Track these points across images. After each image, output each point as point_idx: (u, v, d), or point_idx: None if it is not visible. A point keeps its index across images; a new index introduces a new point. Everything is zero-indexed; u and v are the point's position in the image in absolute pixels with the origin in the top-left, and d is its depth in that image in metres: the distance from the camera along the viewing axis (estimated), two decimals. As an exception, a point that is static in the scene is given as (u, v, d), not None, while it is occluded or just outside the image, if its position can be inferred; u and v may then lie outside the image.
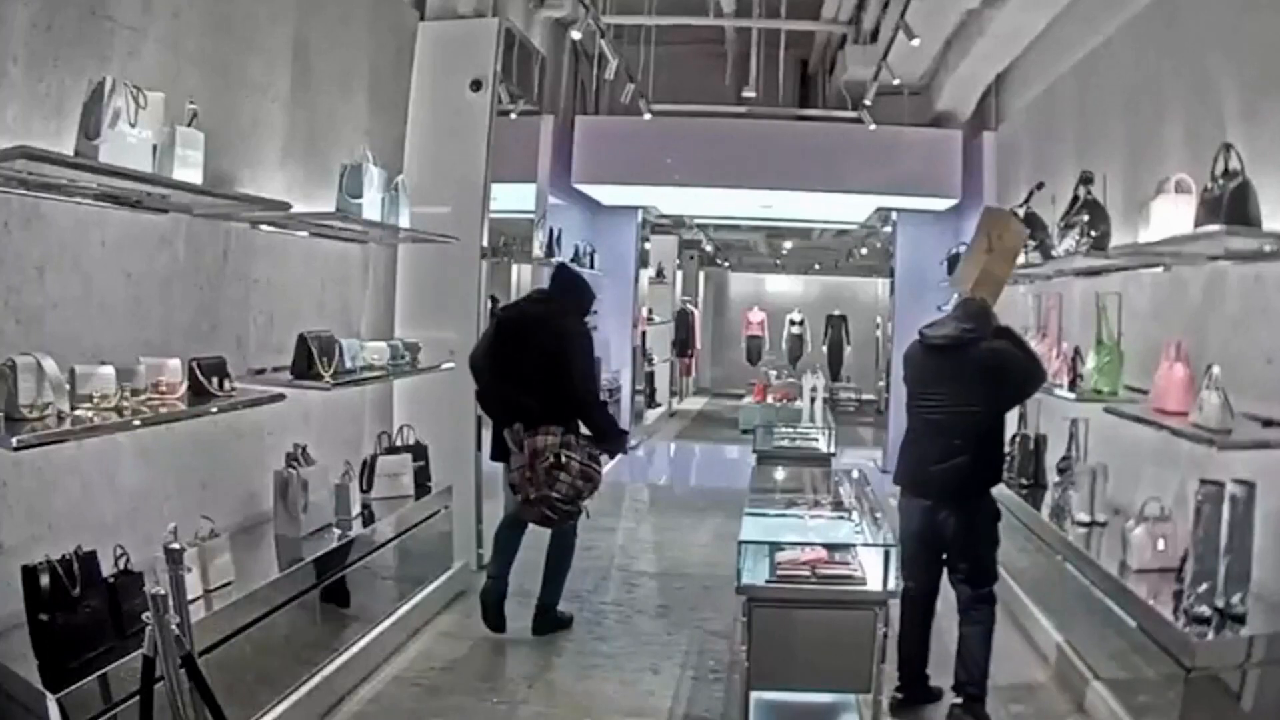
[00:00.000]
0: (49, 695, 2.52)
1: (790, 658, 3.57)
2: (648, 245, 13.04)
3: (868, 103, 8.20)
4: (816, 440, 7.39)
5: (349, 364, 4.35)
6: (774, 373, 14.83)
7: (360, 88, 5.22)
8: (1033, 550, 4.96)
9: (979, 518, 3.91)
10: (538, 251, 7.52)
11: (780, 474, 5.93)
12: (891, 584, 3.53)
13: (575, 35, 7.54)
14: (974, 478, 3.88)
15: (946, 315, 4.13)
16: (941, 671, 4.13)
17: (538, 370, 4.54)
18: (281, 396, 3.79)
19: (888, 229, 10.77)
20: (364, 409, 5.40)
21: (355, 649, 4.17)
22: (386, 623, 4.51)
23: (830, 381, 15.17)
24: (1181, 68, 4.38)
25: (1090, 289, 5.00)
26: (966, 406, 3.85)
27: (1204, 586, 3.24)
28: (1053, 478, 5.30)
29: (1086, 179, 4.60)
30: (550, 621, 4.91)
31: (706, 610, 5.30)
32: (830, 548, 3.80)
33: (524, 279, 7.89)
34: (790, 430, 7.96)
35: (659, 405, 14.02)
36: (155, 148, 3.10)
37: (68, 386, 2.84)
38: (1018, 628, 4.90)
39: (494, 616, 4.78)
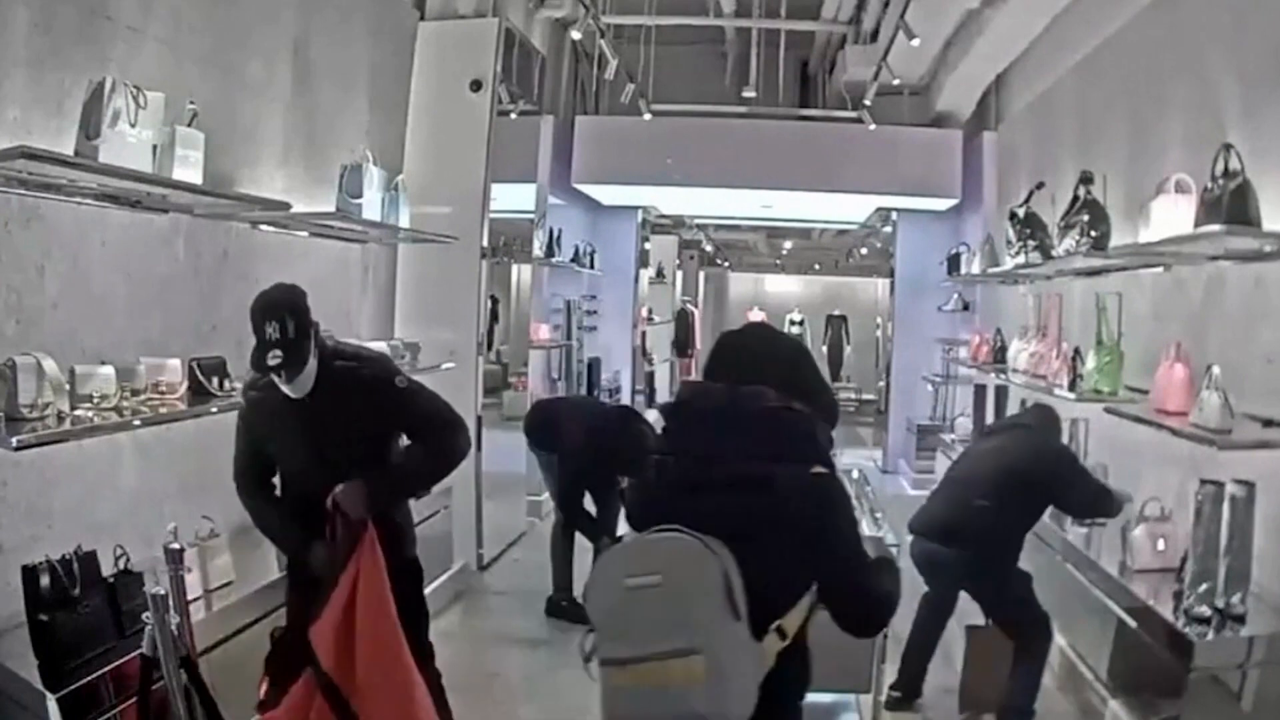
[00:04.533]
0: (49, 695, 2.52)
1: (790, 658, 3.56)
2: (648, 245, 13.03)
3: (868, 103, 8.19)
4: (816, 440, 7.37)
5: (349, 364, 4.35)
6: (774, 373, 14.80)
7: (360, 88, 5.21)
8: (1033, 550, 4.95)
9: (983, 565, 3.83)
10: (538, 251, 7.52)
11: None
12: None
13: (575, 35, 7.53)
14: (973, 526, 3.79)
15: None
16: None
17: None
18: (282, 396, 3.78)
19: (888, 229, 10.77)
20: (364, 409, 5.40)
21: (355, 649, 4.16)
22: (386, 623, 4.50)
23: (830, 381, 15.14)
24: (1181, 68, 4.38)
25: (1090, 289, 4.99)
26: (986, 466, 3.93)
27: (1204, 586, 3.24)
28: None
29: (1086, 179, 4.60)
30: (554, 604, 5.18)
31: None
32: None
33: (524, 279, 7.89)
34: (790, 430, 7.94)
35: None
36: (155, 148, 3.11)
37: (68, 386, 2.84)
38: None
39: None
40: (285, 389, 2.75)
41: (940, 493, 4.12)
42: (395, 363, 3.05)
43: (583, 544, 5.27)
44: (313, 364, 2.72)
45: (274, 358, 2.62)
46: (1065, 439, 5.22)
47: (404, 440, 3.05)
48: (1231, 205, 3.23)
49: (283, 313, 2.65)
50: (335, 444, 2.81)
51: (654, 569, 1.78)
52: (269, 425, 2.91)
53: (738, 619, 1.76)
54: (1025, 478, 3.79)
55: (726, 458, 1.87)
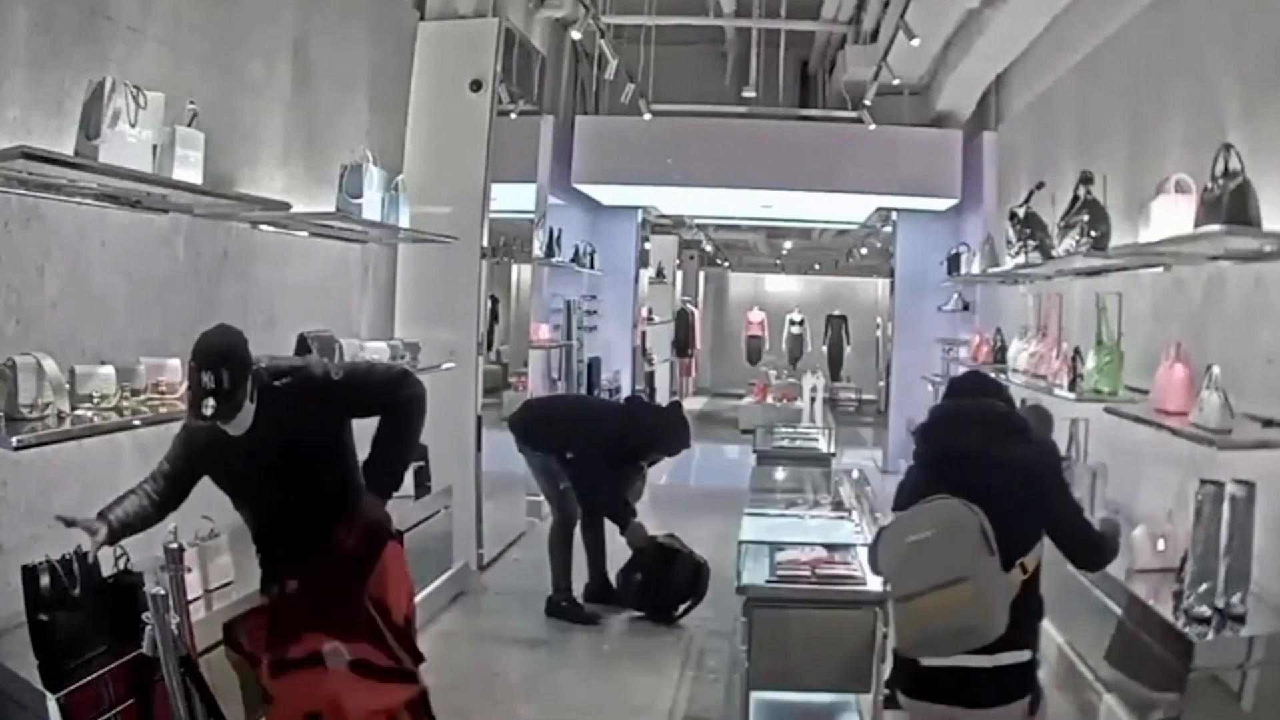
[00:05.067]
0: (49, 695, 2.52)
1: (790, 658, 3.57)
2: (648, 245, 13.04)
3: (868, 103, 8.19)
4: (816, 440, 7.39)
5: (349, 364, 4.35)
6: (774, 373, 14.83)
7: (360, 88, 5.22)
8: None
9: None
10: (538, 251, 7.52)
11: (780, 474, 5.93)
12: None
13: (575, 35, 7.54)
14: None
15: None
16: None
17: None
18: (281, 396, 3.78)
19: (888, 229, 10.77)
20: (364, 409, 5.40)
21: (355, 649, 4.16)
22: (386, 623, 4.49)
23: (830, 381, 15.17)
24: (1181, 68, 4.38)
25: (1090, 289, 4.99)
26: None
27: (1204, 586, 3.24)
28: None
29: (1086, 179, 4.60)
30: (554, 604, 5.20)
31: (706, 610, 5.29)
32: (830, 548, 3.80)
33: (524, 279, 7.89)
34: (790, 430, 7.97)
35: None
36: (155, 148, 3.11)
37: (68, 386, 2.84)
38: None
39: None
40: (225, 429, 2.78)
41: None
42: (398, 361, 3.01)
43: (580, 543, 5.28)
44: (248, 405, 2.76)
45: (208, 407, 2.67)
46: (1065, 439, 5.24)
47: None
48: (1231, 205, 3.23)
49: (218, 365, 2.68)
50: (286, 463, 2.84)
51: (927, 527, 2.43)
52: (211, 454, 2.90)
53: (992, 554, 2.39)
54: None
55: (972, 445, 2.59)
